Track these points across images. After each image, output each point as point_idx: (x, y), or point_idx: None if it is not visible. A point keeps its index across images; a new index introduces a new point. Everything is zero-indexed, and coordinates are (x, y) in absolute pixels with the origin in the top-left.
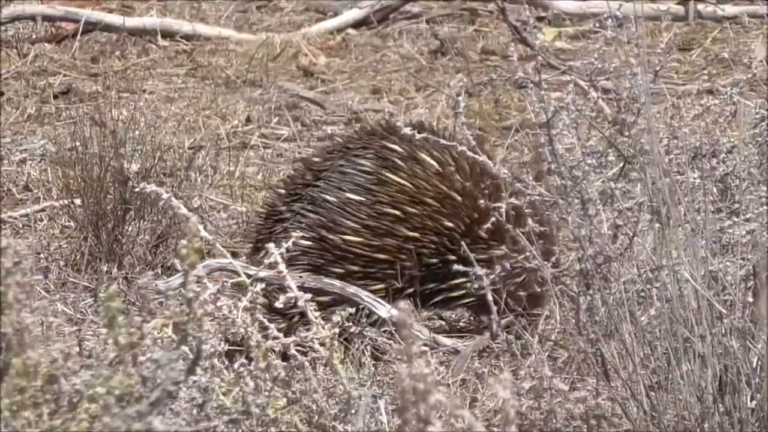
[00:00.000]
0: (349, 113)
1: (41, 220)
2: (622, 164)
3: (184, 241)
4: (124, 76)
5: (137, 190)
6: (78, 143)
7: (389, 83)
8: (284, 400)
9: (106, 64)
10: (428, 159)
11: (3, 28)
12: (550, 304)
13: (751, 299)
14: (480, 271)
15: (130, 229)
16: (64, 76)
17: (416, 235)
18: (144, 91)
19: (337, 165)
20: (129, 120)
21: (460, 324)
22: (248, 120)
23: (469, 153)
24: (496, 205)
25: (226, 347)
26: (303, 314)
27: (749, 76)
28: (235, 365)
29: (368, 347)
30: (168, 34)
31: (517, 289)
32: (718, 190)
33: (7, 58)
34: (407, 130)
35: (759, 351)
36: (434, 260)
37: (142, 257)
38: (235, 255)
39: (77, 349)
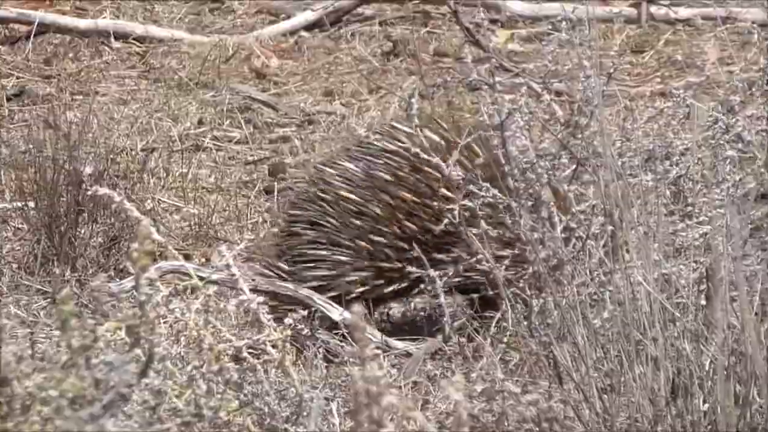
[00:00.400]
0: (301, 115)
1: None
2: (574, 167)
3: (136, 244)
4: (78, 78)
5: (90, 192)
6: (31, 146)
7: (342, 85)
8: (236, 402)
9: (60, 66)
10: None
11: None
12: (502, 306)
13: (704, 302)
14: (433, 273)
15: (83, 231)
16: (17, 78)
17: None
18: (97, 93)
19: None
20: (82, 122)
21: (411, 326)
22: (201, 122)
23: (423, 155)
24: (450, 207)
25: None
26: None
27: (702, 78)
28: (189, 368)
29: (320, 350)
30: (121, 36)
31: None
32: (671, 193)
33: None
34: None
35: (711, 354)
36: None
37: (95, 260)
38: (187, 257)
39: (30, 351)
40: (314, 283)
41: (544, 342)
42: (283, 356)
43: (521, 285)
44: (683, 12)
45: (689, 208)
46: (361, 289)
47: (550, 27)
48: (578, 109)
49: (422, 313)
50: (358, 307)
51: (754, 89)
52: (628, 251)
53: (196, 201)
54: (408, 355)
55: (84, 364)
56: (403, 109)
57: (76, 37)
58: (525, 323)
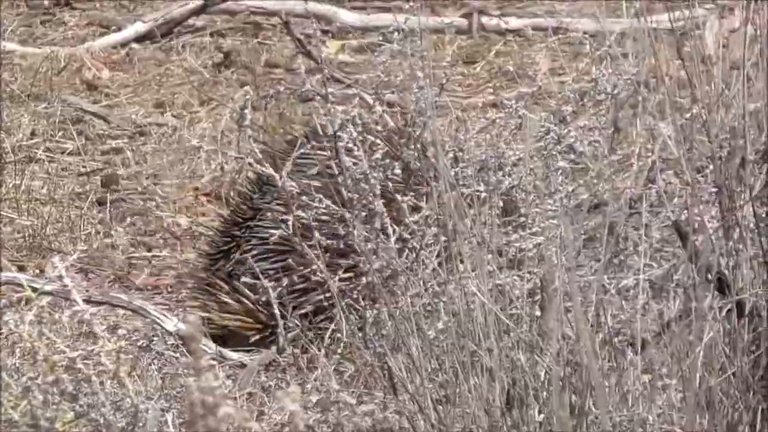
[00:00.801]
0: (132, 127)
1: None
2: (407, 177)
3: None
4: None
5: None
6: None
7: (173, 97)
8: (72, 413)
9: None
10: None
11: None
12: (336, 317)
13: (538, 313)
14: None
15: None
16: None
17: None
18: None
19: None
20: None
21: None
22: (33, 134)
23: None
24: (284, 218)
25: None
26: None
27: (534, 89)
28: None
29: (155, 360)
30: None
31: None
32: (504, 203)
33: None
34: None
35: (546, 364)
36: None
37: None
38: (21, 269)
39: None
40: None
41: (379, 353)
42: (118, 367)
43: (355, 296)
44: (514, 23)
45: (522, 219)
46: None
47: (381, 38)
48: (411, 120)
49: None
50: (192, 318)
51: (585, 99)
52: (462, 262)
53: (29, 212)
54: (242, 366)
55: None
56: (235, 121)
57: None
58: (359, 334)
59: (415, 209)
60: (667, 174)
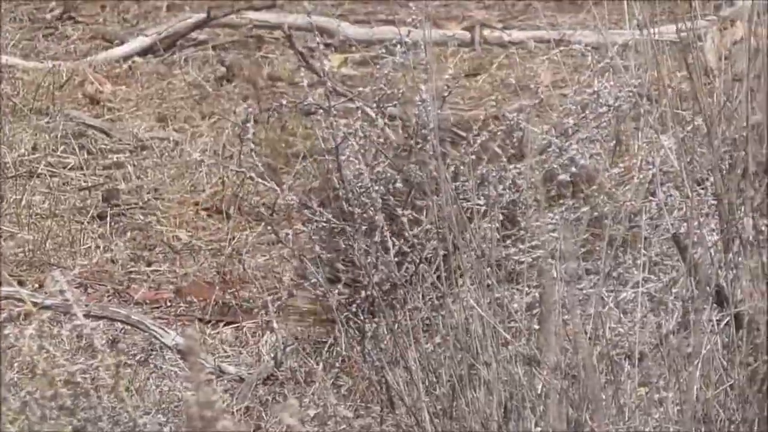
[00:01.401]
0: (134, 141)
1: None
2: (409, 191)
3: None
4: None
5: None
6: None
7: (175, 111)
8: (70, 428)
9: None
10: None
11: None
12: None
13: (536, 326)
14: None
15: None
16: None
17: None
18: None
19: None
20: None
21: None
22: (35, 148)
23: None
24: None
25: None
26: None
27: (536, 101)
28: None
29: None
30: None
31: None
32: (504, 217)
33: None
34: None
35: (543, 377)
36: None
37: None
38: (21, 283)
39: None
40: None
41: (377, 367)
42: (117, 381)
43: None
44: (516, 35)
45: (522, 233)
46: None
47: (383, 51)
48: (414, 133)
49: (254, 337)
50: (191, 331)
51: (587, 112)
52: (461, 275)
53: (30, 227)
54: (241, 380)
55: None
56: (237, 135)
57: None
58: (358, 348)
59: (416, 222)
60: (668, 186)
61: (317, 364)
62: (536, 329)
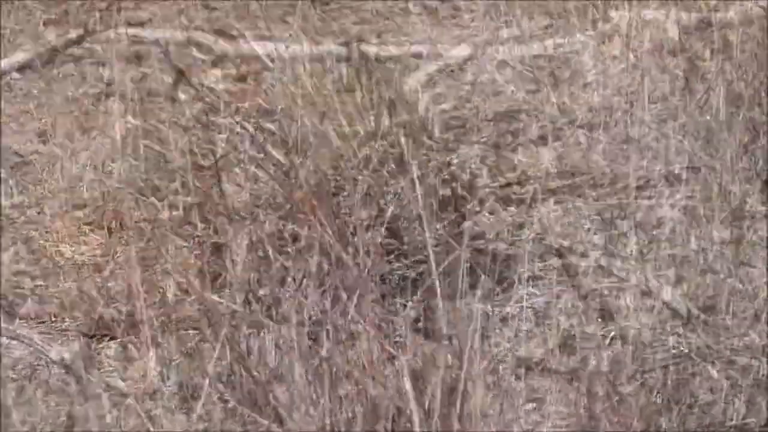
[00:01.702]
0: (15, 157)
1: None
2: (290, 206)
3: None
4: None
5: None
6: None
7: (54, 126)
8: None
9: None
10: None
11: None
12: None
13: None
14: None
15: None
16: None
17: None
18: None
19: None
20: None
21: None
22: None
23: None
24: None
25: None
26: None
27: (415, 117)
28: None
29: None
30: None
31: None
32: (388, 231)
33: None
34: None
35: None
36: None
37: None
38: None
39: None
40: None
41: (263, 381)
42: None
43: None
44: (393, 50)
45: (405, 247)
46: None
47: (261, 66)
48: (293, 148)
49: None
50: (78, 346)
51: (467, 126)
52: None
53: None
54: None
55: None
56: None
57: None
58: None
59: (295, 238)
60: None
61: (203, 378)
62: (421, 344)
